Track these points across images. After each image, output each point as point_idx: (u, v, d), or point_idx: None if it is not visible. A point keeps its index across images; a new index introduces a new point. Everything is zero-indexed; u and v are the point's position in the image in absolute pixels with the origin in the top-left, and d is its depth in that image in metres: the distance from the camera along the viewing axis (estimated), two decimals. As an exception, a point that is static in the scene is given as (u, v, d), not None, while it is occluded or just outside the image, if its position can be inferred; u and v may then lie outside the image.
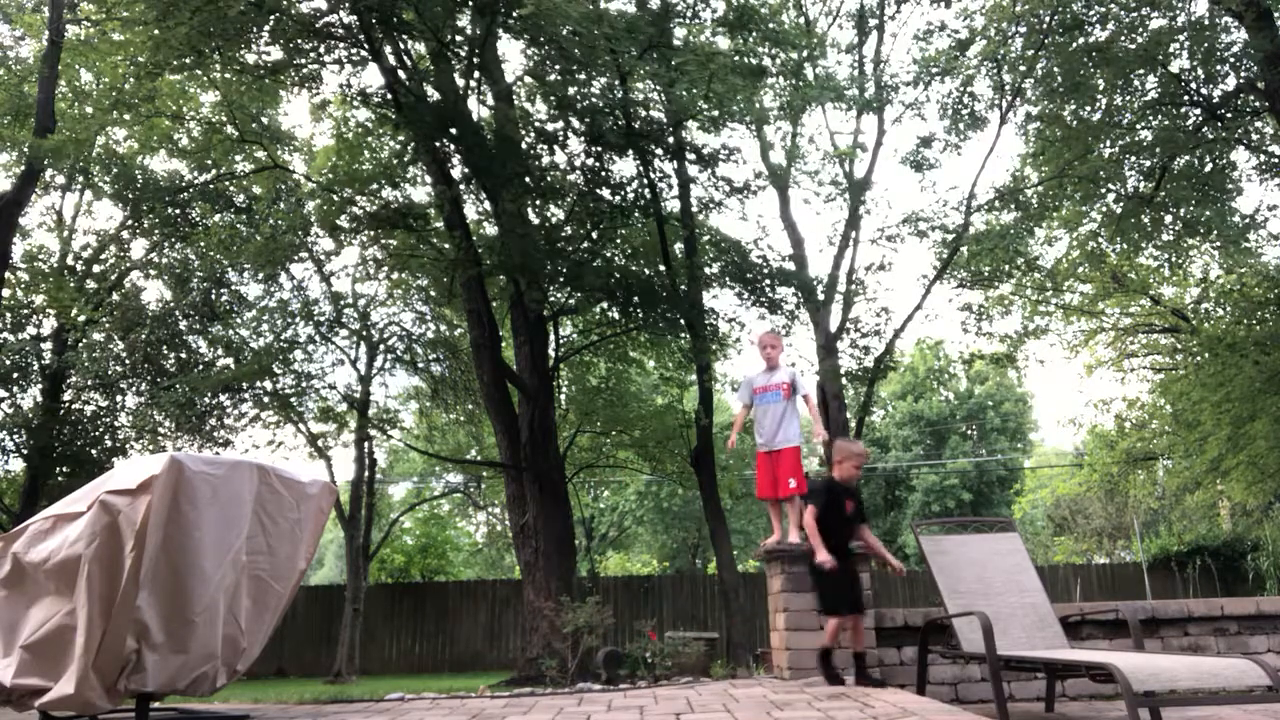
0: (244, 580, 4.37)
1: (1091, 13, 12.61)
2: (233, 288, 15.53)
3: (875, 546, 5.03)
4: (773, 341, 5.92)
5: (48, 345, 15.35)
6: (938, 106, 14.50)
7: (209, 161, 14.40)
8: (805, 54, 14.00)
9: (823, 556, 4.63)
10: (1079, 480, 23.39)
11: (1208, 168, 13.54)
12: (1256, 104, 12.54)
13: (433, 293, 14.72)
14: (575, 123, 10.24)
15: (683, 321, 11.51)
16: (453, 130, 9.91)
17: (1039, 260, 16.25)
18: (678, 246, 12.63)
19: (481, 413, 16.07)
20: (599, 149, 10.40)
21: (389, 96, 10.35)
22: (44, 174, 14.38)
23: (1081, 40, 12.63)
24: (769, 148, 15.73)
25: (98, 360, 14.79)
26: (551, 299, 11.64)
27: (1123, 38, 12.54)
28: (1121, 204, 14.00)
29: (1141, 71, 12.87)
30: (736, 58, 10.79)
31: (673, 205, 12.25)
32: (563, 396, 15.78)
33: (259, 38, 9.89)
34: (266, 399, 15.21)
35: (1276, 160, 13.53)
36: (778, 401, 5.76)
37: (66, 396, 15.35)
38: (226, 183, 15.10)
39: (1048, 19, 12.70)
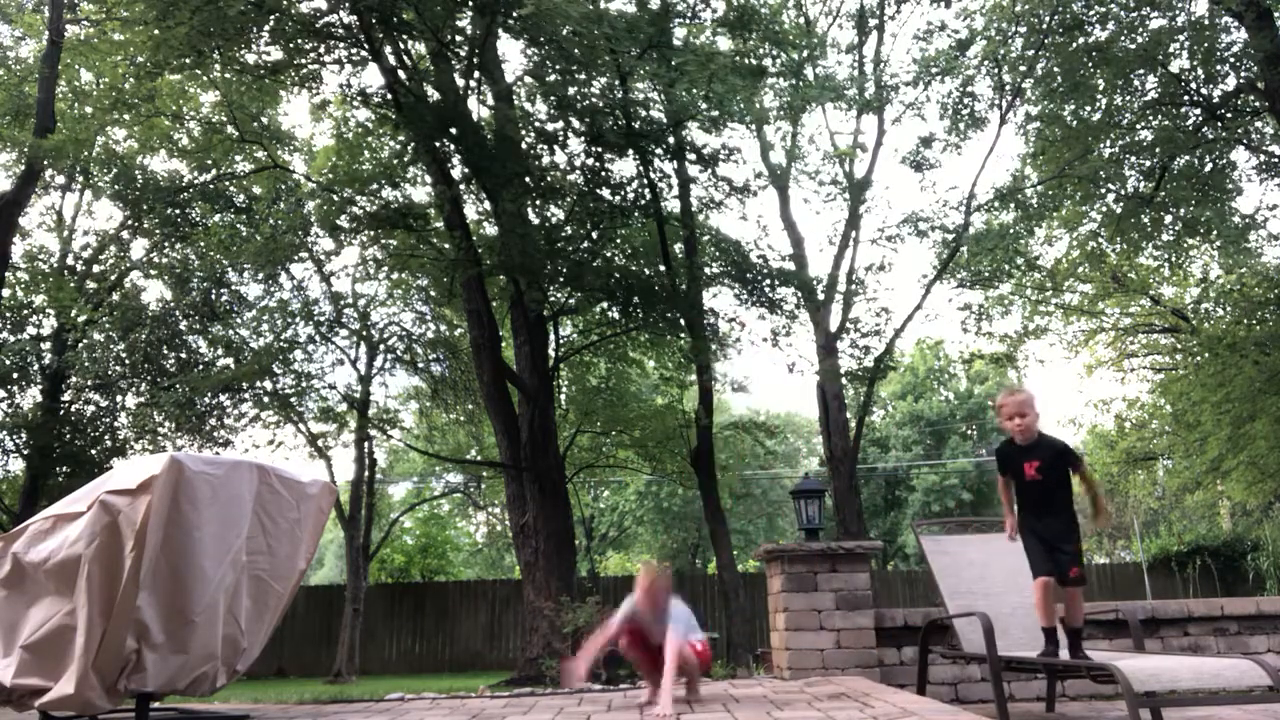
0: (244, 580, 4.37)
1: (1091, 13, 12.61)
2: (233, 288, 15.52)
3: (1092, 489, 4.42)
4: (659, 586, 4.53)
5: (48, 345, 15.33)
6: (938, 106, 14.53)
7: (209, 161, 14.39)
8: (805, 54, 14.02)
9: (1007, 527, 4.35)
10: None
11: (1208, 168, 13.54)
12: (1256, 104, 12.53)
13: (433, 293, 14.72)
14: (575, 123, 10.24)
15: (682, 321, 11.51)
16: (453, 130, 9.91)
17: (1039, 260, 16.26)
18: (678, 246, 12.63)
19: (481, 413, 16.07)
20: (599, 149, 10.40)
21: (389, 96, 10.35)
22: (44, 174, 14.38)
23: (1081, 40, 12.64)
24: (769, 148, 15.75)
25: (98, 360, 14.78)
26: (551, 299, 11.64)
27: (1123, 38, 12.54)
28: (1121, 204, 14.01)
29: (1141, 71, 12.87)
30: (736, 58, 10.79)
31: (673, 205, 12.25)
32: (563, 396, 15.78)
33: (259, 38, 9.88)
34: (266, 399, 15.21)
35: (1276, 160, 13.52)
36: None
37: (66, 396, 15.34)
38: (226, 183, 15.09)
39: (1048, 19, 12.71)
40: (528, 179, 10.18)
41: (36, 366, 15.20)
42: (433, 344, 16.34)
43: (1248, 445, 15.53)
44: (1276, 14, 11.50)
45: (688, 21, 11.66)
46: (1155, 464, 20.44)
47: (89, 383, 15.24)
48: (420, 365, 16.52)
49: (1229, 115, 12.76)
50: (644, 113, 10.60)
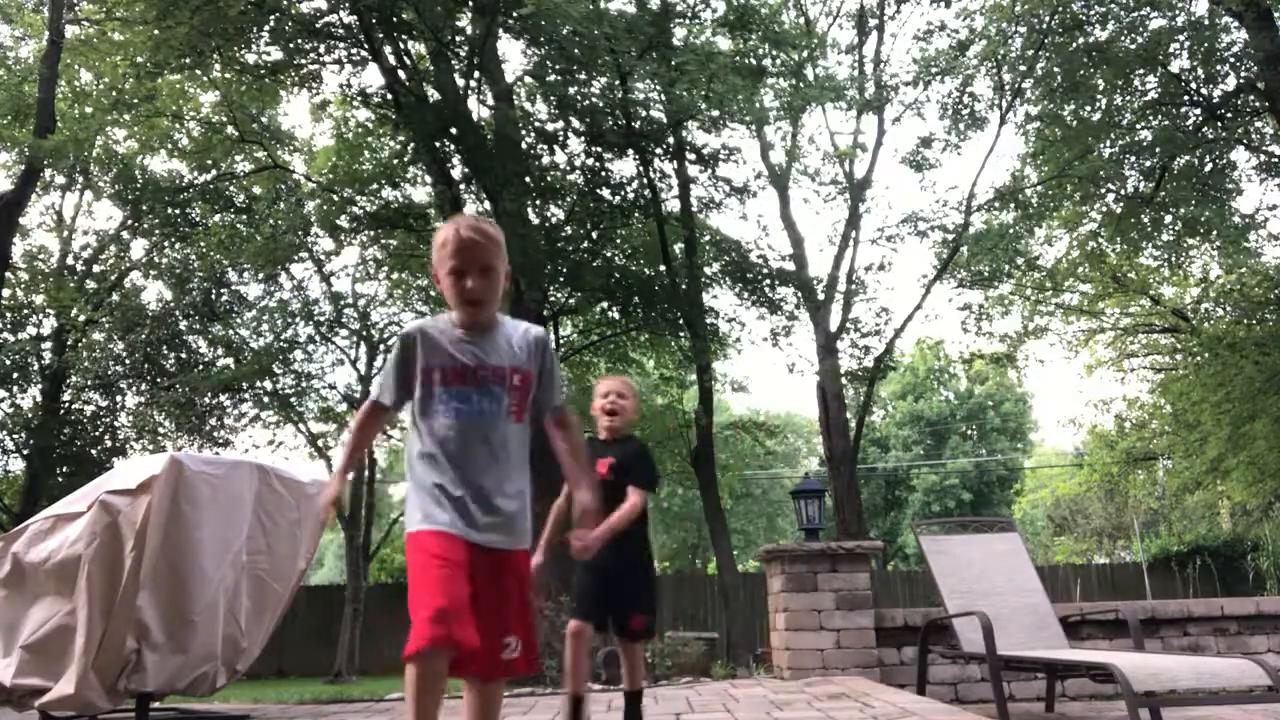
0: (244, 580, 4.36)
1: (1091, 13, 12.62)
2: (233, 288, 15.52)
3: (606, 522, 2.95)
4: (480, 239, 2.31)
5: (48, 345, 15.33)
6: (938, 106, 14.53)
7: (209, 161, 14.39)
8: (805, 54, 14.01)
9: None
10: (1079, 480, 23.38)
11: (1208, 168, 13.55)
12: (1256, 104, 12.54)
13: (433, 293, 14.72)
14: (575, 123, 10.25)
15: (682, 321, 11.51)
16: (453, 130, 9.92)
17: (1039, 260, 16.25)
18: (678, 246, 12.63)
19: (481, 413, 16.03)
20: (599, 149, 10.41)
21: (389, 96, 10.36)
22: (44, 174, 14.38)
23: (1081, 40, 12.64)
24: (769, 148, 15.74)
25: (98, 360, 14.78)
26: (551, 299, 11.64)
27: (1123, 38, 12.55)
28: (1121, 204, 14.01)
29: (1141, 71, 12.87)
30: (736, 58, 10.80)
31: (673, 205, 12.24)
32: (563, 396, 15.77)
33: (259, 38, 9.90)
34: (266, 399, 15.21)
35: (1276, 160, 13.52)
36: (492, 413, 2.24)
37: (66, 396, 15.34)
38: (226, 183, 15.09)
39: (1048, 19, 12.71)
40: (528, 179, 10.19)
41: (36, 366, 15.20)
42: (433, 344, 16.31)
43: (1248, 445, 15.51)
44: (1276, 14, 11.50)
45: (687, 21, 11.67)
46: (1155, 464, 20.42)
47: (89, 383, 15.23)
48: (420, 365, 16.49)
49: (1229, 115, 12.76)
50: (644, 113, 10.60)
